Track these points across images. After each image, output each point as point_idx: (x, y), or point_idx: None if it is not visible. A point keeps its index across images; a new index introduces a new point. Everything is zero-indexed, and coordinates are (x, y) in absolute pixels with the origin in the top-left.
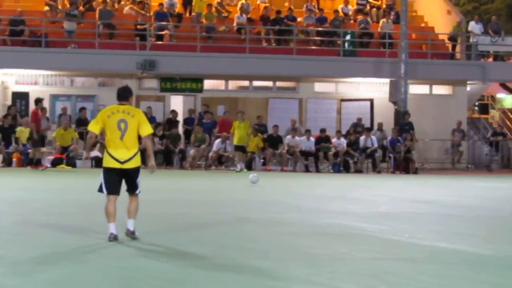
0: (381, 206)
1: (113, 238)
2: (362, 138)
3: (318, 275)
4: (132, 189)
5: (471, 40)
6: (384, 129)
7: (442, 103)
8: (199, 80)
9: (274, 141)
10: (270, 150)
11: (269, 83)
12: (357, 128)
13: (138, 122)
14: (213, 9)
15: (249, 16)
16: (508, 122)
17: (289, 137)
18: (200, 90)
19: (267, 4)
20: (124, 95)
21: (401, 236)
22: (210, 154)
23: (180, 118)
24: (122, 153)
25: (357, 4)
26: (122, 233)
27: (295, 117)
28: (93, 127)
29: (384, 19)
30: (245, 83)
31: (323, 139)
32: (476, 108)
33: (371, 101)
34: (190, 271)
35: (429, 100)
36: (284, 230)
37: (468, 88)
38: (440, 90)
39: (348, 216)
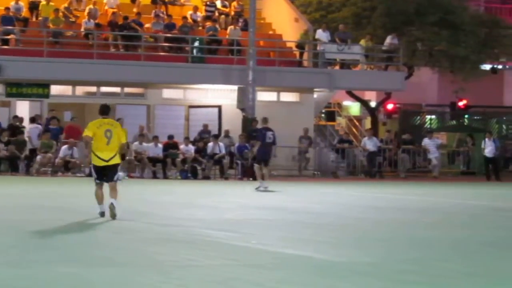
0: (228, 212)
1: (102, 214)
2: (210, 144)
3: (166, 282)
4: (110, 178)
5: (318, 48)
6: (231, 136)
7: (289, 110)
8: (45, 85)
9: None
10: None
11: (117, 89)
12: (203, 135)
13: (119, 133)
14: (60, 14)
15: (97, 21)
16: (354, 130)
17: (136, 143)
18: (47, 95)
19: (115, 10)
20: (106, 111)
21: (249, 243)
22: (57, 160)
23: (26, 123)
24: (106, 154)
25: (206, 11)
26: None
27: (142, 123)
28: (88, 133)
29: (232, 26)
30: (93, 89)
31: (171, 146)
32: (323, 115)
33: (219, 107)
34: (36, 277)
35: (276, 107)
36: (131, 237)
37: (315, 96)
38: (288, 97)
39: (196, 222)
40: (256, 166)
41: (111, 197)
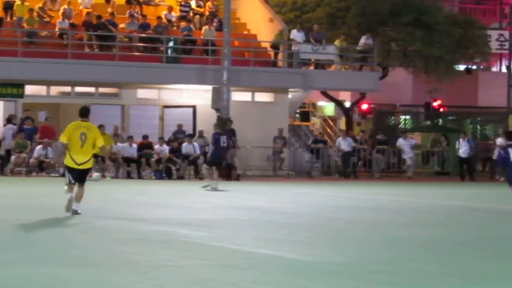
0: (203, 212)
1: (75, 212)
2: (185, 145)
3: (141, 282)
4: (82, 182)
5: (293, 48)
6: (206, 136)
7: (264, 111)
8: (20, 85)
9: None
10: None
11: (91, 89)
12: (178, 135)
13: (95, 136)
14: (35, 13)
15: (71, 21)
16: (328, 130)
17: None
18: (21, 95)
19: (89, 10)
20: (85, 113)
21: (223, 243)
22: (31, 160)
23: (0, 123)
24: (80, 158)
25: (181, 11)
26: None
27: (117, 123)
28: (63, 139)
29: (207, 26)
30: (67, 89)
31: (145, 146)
32: (297, 115)
33: (194, 107)
34: (11, 277)
35: (251, 107)
36: (106, 237)
37: (290, 96)
38: (263, 97)
39: (171, 222)
40: (205, 166)
41: (75, 200)
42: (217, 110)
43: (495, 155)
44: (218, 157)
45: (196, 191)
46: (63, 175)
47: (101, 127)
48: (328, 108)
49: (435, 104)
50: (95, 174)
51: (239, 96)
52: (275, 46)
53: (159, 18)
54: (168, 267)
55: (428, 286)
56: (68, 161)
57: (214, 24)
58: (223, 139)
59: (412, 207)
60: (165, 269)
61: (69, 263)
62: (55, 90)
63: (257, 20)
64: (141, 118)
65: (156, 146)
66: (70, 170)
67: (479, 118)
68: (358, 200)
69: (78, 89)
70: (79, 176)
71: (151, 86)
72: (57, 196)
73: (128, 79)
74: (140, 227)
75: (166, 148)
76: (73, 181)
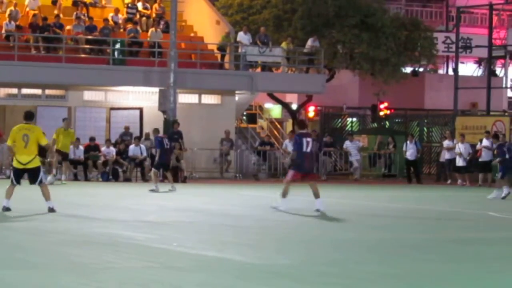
0: (149, 215)
1: (6, 209)
2: (131, 147)
3: (86, 285)
4: (34, 181)
5: (239, 50)
6: (152, 138)
7: (211, 113)
8: None
9: (40, 149)
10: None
11: (38, 91)
12: (124, 137)
13: (37, 136)
14: None
15: (18, 23)
16: (275, 132)
17: None
18: None
19: (36, 12)
20: (28, 117)
21: (169, 245)
22: None
23: None
24: (24, 158)
25: (127, 13)
26: None
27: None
28: (9, 142)
29: (154, 28)
30: (14, 90)
31: (92, 148)
32: (244, 117)
33: (141, 110)
34: None
35: (198, 109)
36: (51, 239)
37: (237, 98)
38: (209, 99)
39: (117, 225)
40: (153, 171)
41: (46, 200)
42: (163, 112)
43: (442, 158)
44: (163, 160)
45: (143, 193)
46: (9, 177)
47: (64, 120)
48: (275, 110)
49: (381, 106)
50: (49, 178)
51: (185, 98)
52: (221, 48)
53: (106, 20)
54: (113, 269)
55: (373, 287)
56: (14, 163)
57: (161, 26)
58: (166, 141)
59: (359, 209)
60: (110, 272)
61: (12, 266)
62: (1, 92)
63: (204, 22)
64: (87, 120)
65: (103, 148)
66: (16, 171)
67: (426, 121)
68: (304, 203)
69: (25, 91)
70: (29, 176)
71: (98, 88)
72: (1, 197)
73: (75, 81)
74: (86, 229)
75: (113, 150)
76: (15, 182)
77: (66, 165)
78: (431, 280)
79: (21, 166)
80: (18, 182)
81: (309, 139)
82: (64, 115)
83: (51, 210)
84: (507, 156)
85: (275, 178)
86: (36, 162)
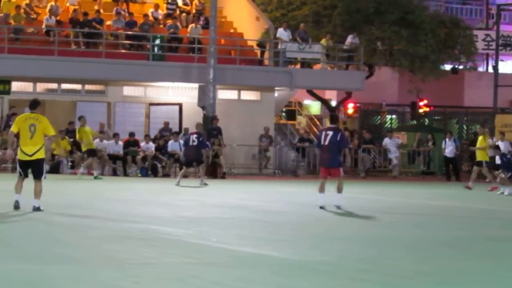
0: (188, 210)
1: (17, 204)
2: (170, 142)
3: (123, 280)
4: (37, 175)
5: (279, 47)
6: None
7: (250, 109)
8: (6, 82)
9: (90, 150)
10: (79, 154)
11: (77, 86)
12: (164, 132)
13: (44, 126)
14: (22, 10)
15: (58, 18)
16: (314, 128)
17: (97, 140)
18: (8, 92)
19: (76, 7)
20: (34, 106)
21: (208, 241)
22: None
23: None
24: (30, 149)
25: (167, 8)
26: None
27: (103, 120)
28: (13, 128)
29: (193, 24)
30: (54, 85)
31: (131, 143)
32: (283, 114)
33: (180, 105)
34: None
35: (237, 105)
36: (90, 234)
37: (276, 94)
38: (248, 95)
39: (155, 220)
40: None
41: (34, 197)
42: (203, 108)
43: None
44: (187, 157)
45: (181, 189)
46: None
47: (81, 118)
48: (314, 107)
49: (421, 103)
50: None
51: (225, 94)
52: (261, 45)
53: (146, 15)
54: (150, 264)
55: (409, 284)
56: (19, 155)
57: (201, 22)
58: (193, 138)
59: (397, 206)
60: (147, 267)
61: (52, 260)
62: (41, 87)
63: (244, 18)
64: (126, 116)
65: (142, 144)
66: (21, 163)
67: (465, 118)
68: (342, 199)
69: (64, 86)
70: (33, 170)
71: (137, 84)
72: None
73: (114, 76)
74: (124, 225)
75: (152, 145)
76: (22, 174)
77: (95, 161)
78: (468, 278)
79: (26, 158)
80: (26, 175)
81: (329, 132)
82: (103, 110)
83: (37, 209)
84: None
85: (314, 175)
86: (41, 154)
